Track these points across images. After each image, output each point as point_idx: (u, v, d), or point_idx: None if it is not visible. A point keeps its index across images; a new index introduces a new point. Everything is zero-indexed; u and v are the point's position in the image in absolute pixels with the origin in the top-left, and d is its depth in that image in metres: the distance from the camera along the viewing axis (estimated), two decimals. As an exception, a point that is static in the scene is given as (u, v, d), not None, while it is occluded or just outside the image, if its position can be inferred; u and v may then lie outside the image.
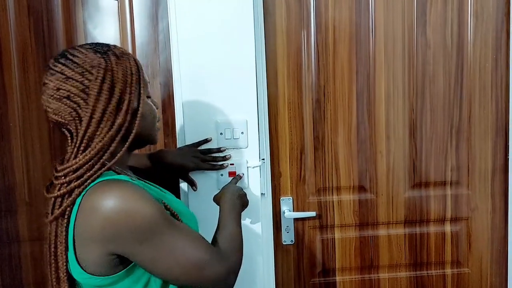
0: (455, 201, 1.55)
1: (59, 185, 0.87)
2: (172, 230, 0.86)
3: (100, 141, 0.87)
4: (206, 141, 1.38)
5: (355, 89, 1.51)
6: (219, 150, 1.38)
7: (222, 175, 1.41)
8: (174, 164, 1.31)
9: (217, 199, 1.17)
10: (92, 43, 0.94)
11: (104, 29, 1.52)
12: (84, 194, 0.85)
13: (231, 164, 1.39)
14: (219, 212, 1.09)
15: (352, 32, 1.50)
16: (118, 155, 0.90)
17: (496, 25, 1.50)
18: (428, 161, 1.53)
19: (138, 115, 0.92)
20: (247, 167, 1.42)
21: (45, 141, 1.54)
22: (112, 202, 0.81)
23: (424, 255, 1.56)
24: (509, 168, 1.53)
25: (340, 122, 1.51)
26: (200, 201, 1.39)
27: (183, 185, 1.44)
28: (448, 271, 1.57)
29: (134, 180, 0.92)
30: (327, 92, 1.51)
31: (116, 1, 1.55)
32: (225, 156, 1.38)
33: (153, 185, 1.01)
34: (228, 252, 0.95)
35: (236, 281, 0.96)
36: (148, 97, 0.99)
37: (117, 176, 0.89)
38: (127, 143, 0.92)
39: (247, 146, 1.41)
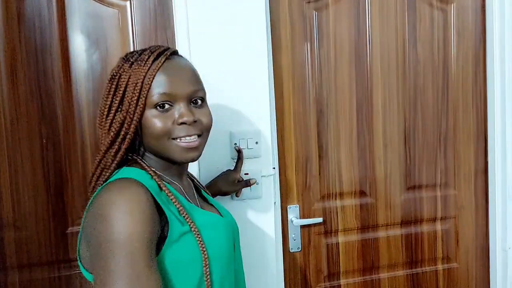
0: (444, 201, 1.70)
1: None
2: (124, 267, 0.72)
3: (103, 144, 0.90)
4: (240, 159, 1.39)
5: (355, 100, 1.60)
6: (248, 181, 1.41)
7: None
8: (220, 194, 1.36)
9: None
10: (150, 47, 0.93)
11: (104, 40, 1.46)
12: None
13: (245, 174, 1.41)
14: None
15: (352, 47, 1.58)
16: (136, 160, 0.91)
17: (475, 42, 1.67)
18: (420, 165, 1.66)
19: (132, 126, 0.87)
20: (261, 176, 1.45)
21: (38, 158, 1.43)
22: (102, 204, 0.77)
23: (418, 253, 1.69)
24: (489, 169, 1.71)
25: (342, 132, 1.59)
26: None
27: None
28: (440, 266, 1.71)
29: (162, 184, 0.86)
30: (329, 103, 1.58)
31: (117, 10, 1.51)
32: (249, 180, 1.40)
33: (186, 197, 0.94)
34: None
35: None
36: (161, 108, 0.88)
37: (134, 175, 0.85)
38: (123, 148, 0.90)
39: (261, 156, 1.44)
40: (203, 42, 1.42)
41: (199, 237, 0.84)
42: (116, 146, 0.89)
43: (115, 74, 0.90)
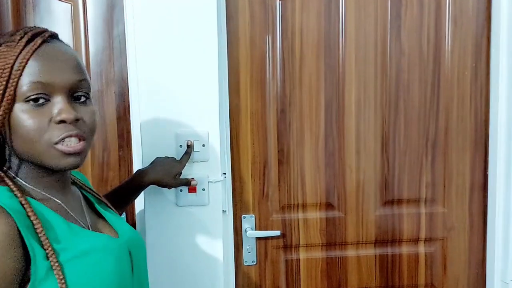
0: (430, 220, 1.44)
1: None
2: None
3: None
4: (187, 153, 1.25)
5: (323, 98, 1.40)
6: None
7: (181, 190, 1.31)
8: (156, 183, 1.20)
9: None
10: (25, 27, 0.77)
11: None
12: None
13: (191, 178, 1.30)
14: None
15: (321, 38, 1.39)
16: None
17: (476, 31, 1.39)
18: (401, 176, 1.42)
19: None
20: (208, 182, 1.32)
21: None
22: None
23: (395, 278, 1.45)
24: (488, 185, 1.42)
25: (306, 134, 1.41)
26: (157, 218, 1.30)
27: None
28: (422, 295, 1.46)
29: (26, 204, 0.71)
30: (293, 101, 1.40)
31: (70, 4, 1.46)
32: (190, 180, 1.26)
33: (60, 216, 0.76)
34: None
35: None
36: (35, 102, 0.73)
37: None
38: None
39: (208, 160, 1.32)
40: (150, 35, 1.30)
41: (60, 276, 0.68)
42: None
43: None
